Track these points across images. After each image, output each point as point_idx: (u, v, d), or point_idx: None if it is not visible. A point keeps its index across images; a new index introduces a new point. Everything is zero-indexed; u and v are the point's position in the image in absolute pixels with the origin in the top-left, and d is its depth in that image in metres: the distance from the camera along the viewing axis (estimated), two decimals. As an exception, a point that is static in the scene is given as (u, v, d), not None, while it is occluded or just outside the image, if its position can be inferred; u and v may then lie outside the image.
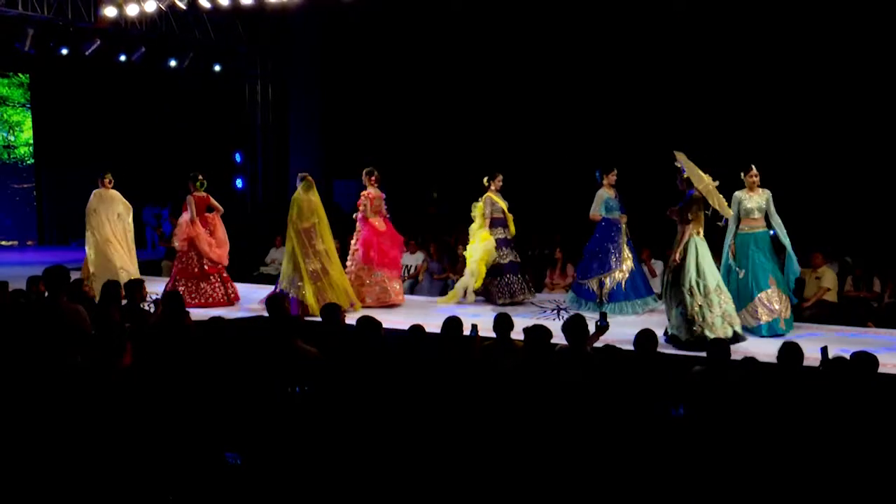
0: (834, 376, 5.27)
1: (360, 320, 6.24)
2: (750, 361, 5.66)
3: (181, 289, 10.03)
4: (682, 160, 7.84)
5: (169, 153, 18.34)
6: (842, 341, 7.62)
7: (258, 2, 13.65)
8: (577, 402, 5.03)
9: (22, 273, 9.55)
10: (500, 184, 10.28)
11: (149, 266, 12.96)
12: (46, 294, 6.11)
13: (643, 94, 13.67)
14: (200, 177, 10.58)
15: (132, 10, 14.02)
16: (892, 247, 10.84)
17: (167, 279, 10.98)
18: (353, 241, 10.42)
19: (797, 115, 12.46)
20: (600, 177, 9.83)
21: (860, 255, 10.57)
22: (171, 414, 5.08)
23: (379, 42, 15.79)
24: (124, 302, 7.59)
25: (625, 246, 9.70)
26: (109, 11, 14.05)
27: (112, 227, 10.96)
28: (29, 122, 19.72)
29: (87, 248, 10.95)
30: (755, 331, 8.08)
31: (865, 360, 5.13)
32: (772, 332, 8.03)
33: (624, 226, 9.73)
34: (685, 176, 7.80)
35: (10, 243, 19.38)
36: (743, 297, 8.21)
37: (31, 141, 19.76)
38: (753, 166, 8.38)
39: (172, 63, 16.68)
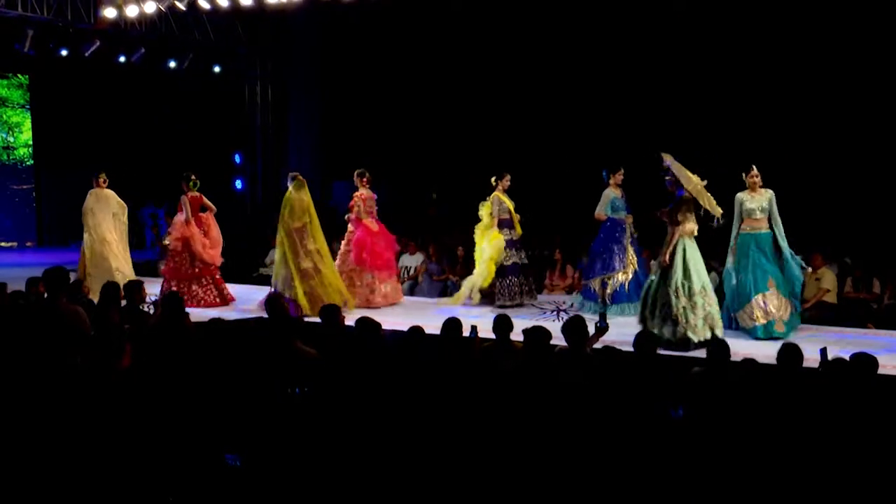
0: (833, 378, 5.27)
1: (359, 321, 6.24)
2: (749, 362, 5.66)
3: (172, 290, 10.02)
4: (669, 161, 7.85)
5: (168, 154, 18.32)
6: (841, 343, 7.60)
7: (258, 3, 13.64)
8: (576, 404, 5.02)
9: (21, 274, 9.53)
10: (508, 184, 10.22)
11: (146, 267, 12.95)
12: (46, 295, 6.11)
13: (643, 95, 13.67)
14: (193, 177, 10.59)
15: (132, 12, 14.02)
16: (891, 248, 10.84)
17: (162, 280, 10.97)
18: (343, 243, 10.42)
19: (798, 116, 12.47)
20: (607, 176, 9.81)
21: (860, 256, 10.57)
22: (170, 415, 5.07)
23: (379, 43, 15.80)
24: (124, 303, 7.59)
25: (629, 247, 9.69)
26: (109, 12, 14.05)
27: (108, 227, 10.97)
28: (28, 124, 19.71)
29: (83, 247, 10.97)
30: (751, 332, 8.08)
31: (865, 362, 5.13)
32: (768, 334, 7.99)
33: (630, 226, 9.73)
34: (674, 176, 7.81)
35: (9, 244, 19.36)
36: (741, 298, 8.20)
37: (31, 142, 19.74)
38: (754, 166, 8.37)
39: (172, 64, 16.69)
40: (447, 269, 12.27)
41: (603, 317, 6.65)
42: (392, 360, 5.75)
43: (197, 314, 8.52)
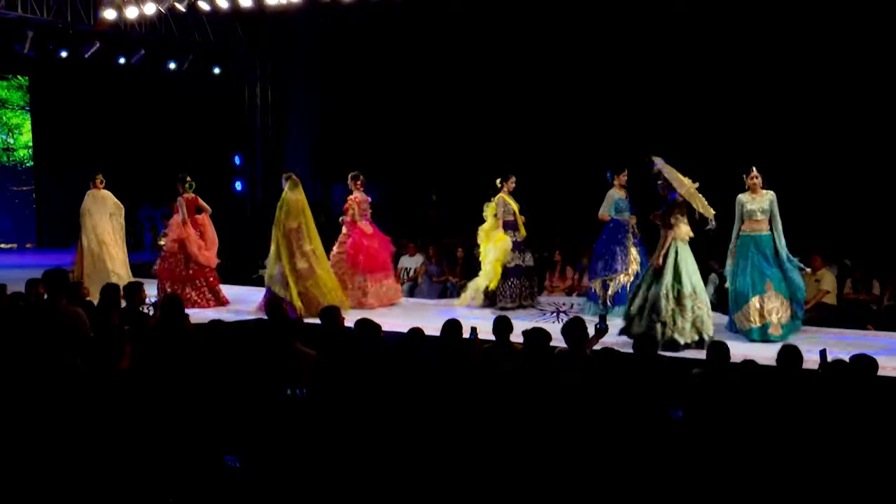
0: (833, 379, 5.27)
1: (359, 323, 6.24)
2: (749, 364, 5.66)
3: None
4: (660, 165, 7.86)
5: (168, 156, 18.31)
6: (841, 344, 7.61)
7: (257, 4, 13.65)
8: (576, 405, 5.02)
9: (21, 276, 9.52)
10: (513, 185, 10.22)
11: (145, 268, 12.95)
12: (46, 297, 6.11)
13: (646, 96, 13.66)
14: (188, 178, 10.60)
15: (131, 13, 14.04)
16: (891, 250, 10.84)
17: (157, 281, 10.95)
18: (335, 245, 10.43)
19: (798, 118, 12.46)
20: (611, 177, 9.82)
21: (859, 257, 10.57)
22: (170, 417, 5.07)
23: (379, 45, 15.79)
24: (123, 304, 7.60)
25: (632, 248, 9.69)
26: (109, 14, 14.06)
27: (105, 228, 10.98)
28: (28, 125, 19.71)
29: (80, 249, 10.98)
30: (747, 334, 8.08)
31: (865, 363, 5.14)
32: (763, 337, 8.00)
33: (633, 227, 9.73)
34: (665, 180, 7.83)
35: (9, 246, 19.35)
36: (739, 299, 8.20)
37: (31, 143, 19.74)
38: (754, 168, 8.37)
39: (172, 66, 16.70)
40: (447, 271, 12.27)
41: (603, 318, 6.65)
42: (392, 362, 5.75)
43: (197, 315, 8.52)
